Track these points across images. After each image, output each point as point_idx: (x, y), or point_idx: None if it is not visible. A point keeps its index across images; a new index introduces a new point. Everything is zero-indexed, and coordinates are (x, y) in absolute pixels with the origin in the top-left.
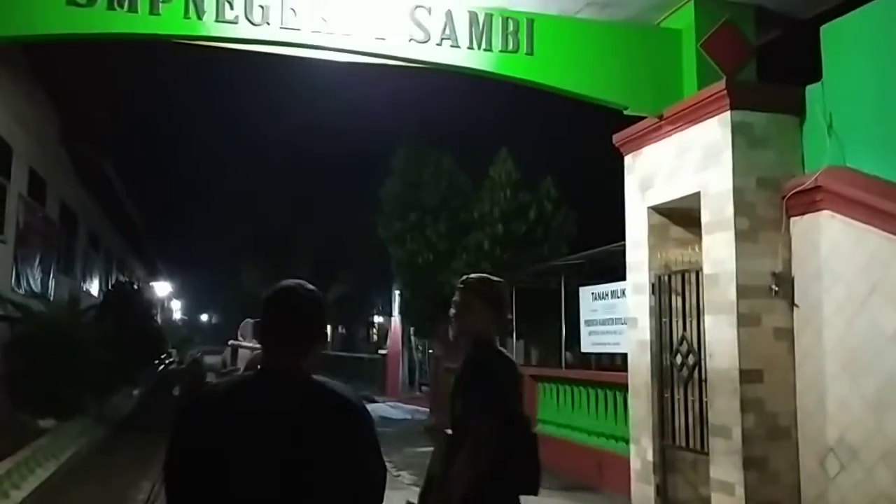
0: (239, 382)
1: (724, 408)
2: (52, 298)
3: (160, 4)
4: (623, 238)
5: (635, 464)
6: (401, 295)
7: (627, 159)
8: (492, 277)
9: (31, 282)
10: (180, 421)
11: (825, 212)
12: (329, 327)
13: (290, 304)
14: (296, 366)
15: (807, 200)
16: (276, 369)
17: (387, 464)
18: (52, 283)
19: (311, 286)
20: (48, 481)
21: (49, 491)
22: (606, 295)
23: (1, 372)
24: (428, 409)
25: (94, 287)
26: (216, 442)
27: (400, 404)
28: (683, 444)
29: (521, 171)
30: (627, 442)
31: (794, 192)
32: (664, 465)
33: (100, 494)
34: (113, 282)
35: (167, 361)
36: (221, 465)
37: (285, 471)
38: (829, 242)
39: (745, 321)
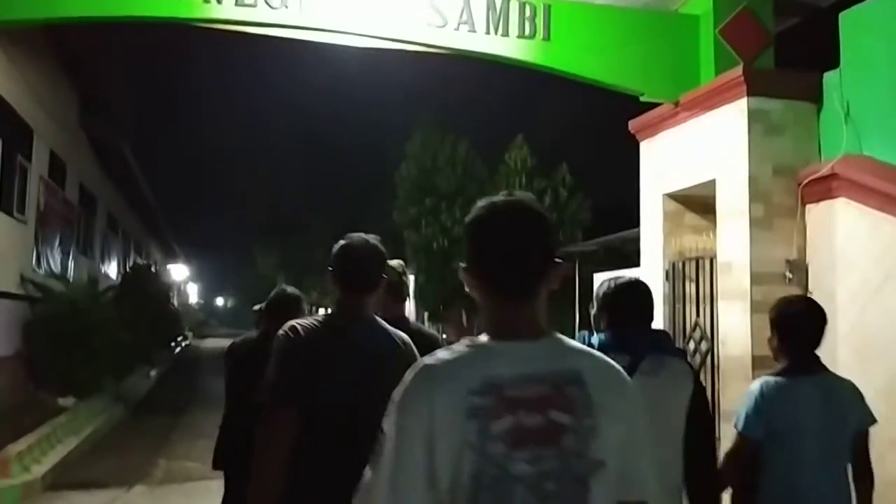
0: None
1: (736, 394)
2: (71, 279)
3: None
4: (637, 225)
5: None
6: (415, 279)
7: (643, 146)
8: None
9: (52, 262)
10: None
11: (841, 199)
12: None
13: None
14: None
15: (822, 188)
16: None
17: None
18: (71, 264)
19: None
20: (68, 457)
21: (69, 466)
22: None
23: (22, 351)
24: None
25: (112, 269)
26: None
27: None
28: None
29: (537, 157)
30: None
31: (809, 179)
32: None
33: (117, 469)
34: (131, 264)
35: (183, 344)
36: None
37: None
38: (844, 230)
39: (759, 308)
